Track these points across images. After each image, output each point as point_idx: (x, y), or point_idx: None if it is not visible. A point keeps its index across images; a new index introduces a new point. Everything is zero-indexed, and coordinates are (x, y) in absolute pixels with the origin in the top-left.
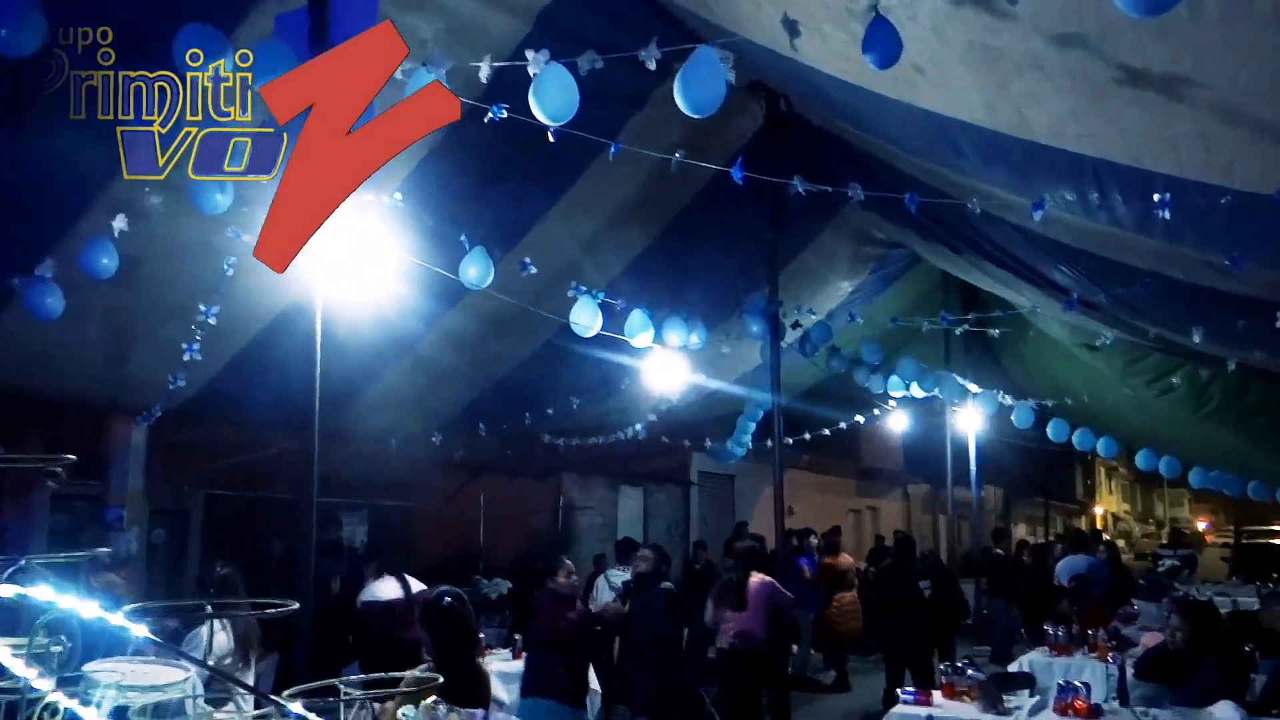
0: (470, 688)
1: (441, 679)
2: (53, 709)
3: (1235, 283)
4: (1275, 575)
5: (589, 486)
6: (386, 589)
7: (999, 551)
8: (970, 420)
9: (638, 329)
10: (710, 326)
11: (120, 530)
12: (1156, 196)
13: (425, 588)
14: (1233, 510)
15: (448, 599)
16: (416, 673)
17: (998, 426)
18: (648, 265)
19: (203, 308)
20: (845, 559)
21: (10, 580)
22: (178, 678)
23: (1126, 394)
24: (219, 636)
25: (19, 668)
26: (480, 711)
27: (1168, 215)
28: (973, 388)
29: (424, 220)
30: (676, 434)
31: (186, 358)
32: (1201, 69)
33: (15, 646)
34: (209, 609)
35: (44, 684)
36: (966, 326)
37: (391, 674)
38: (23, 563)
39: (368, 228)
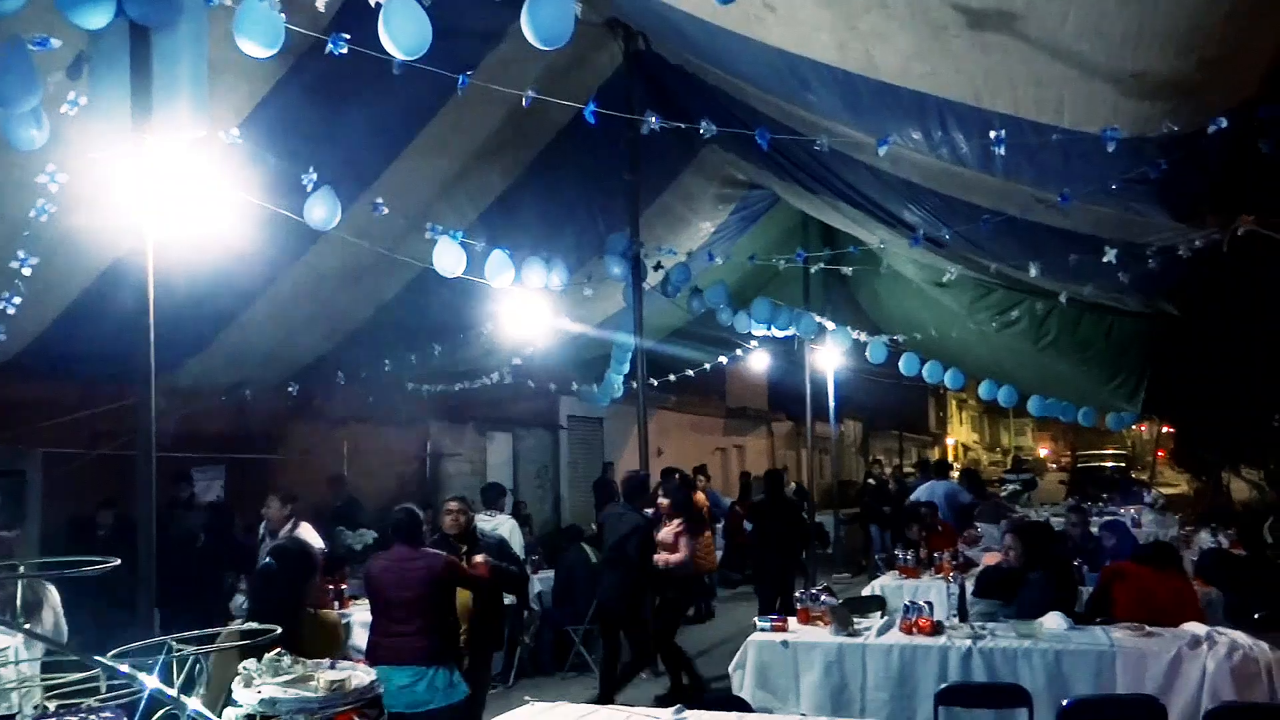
0: (304, 641)
1: (279, 629)
2: None
3: (1066, 219)
4: (1105, 495)
5: (456, 433)
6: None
7: (870, 481)
8: (828, 357)
9: (497, 270)
10: (572, 268)
11: None
12: (993, 134)
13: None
14: (1070, 437)
15: (266, 559)
16: (242, 626)
17: (855, 362)
18: (507, 207)
19: (21, 254)
20: (699, 497)
21: None
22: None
23: (972, 328)
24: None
25: None
26: (326, 660)
27: (1003, 152)
28: (829, 324)
29: (266, 160)
30: (543, 378)
31: (0, 307)
32: (1033, 8)
33: None
34: (21, 569)
35: None
36: (821, 265)
37: (221, 629)
38: None
39: (203, 168)
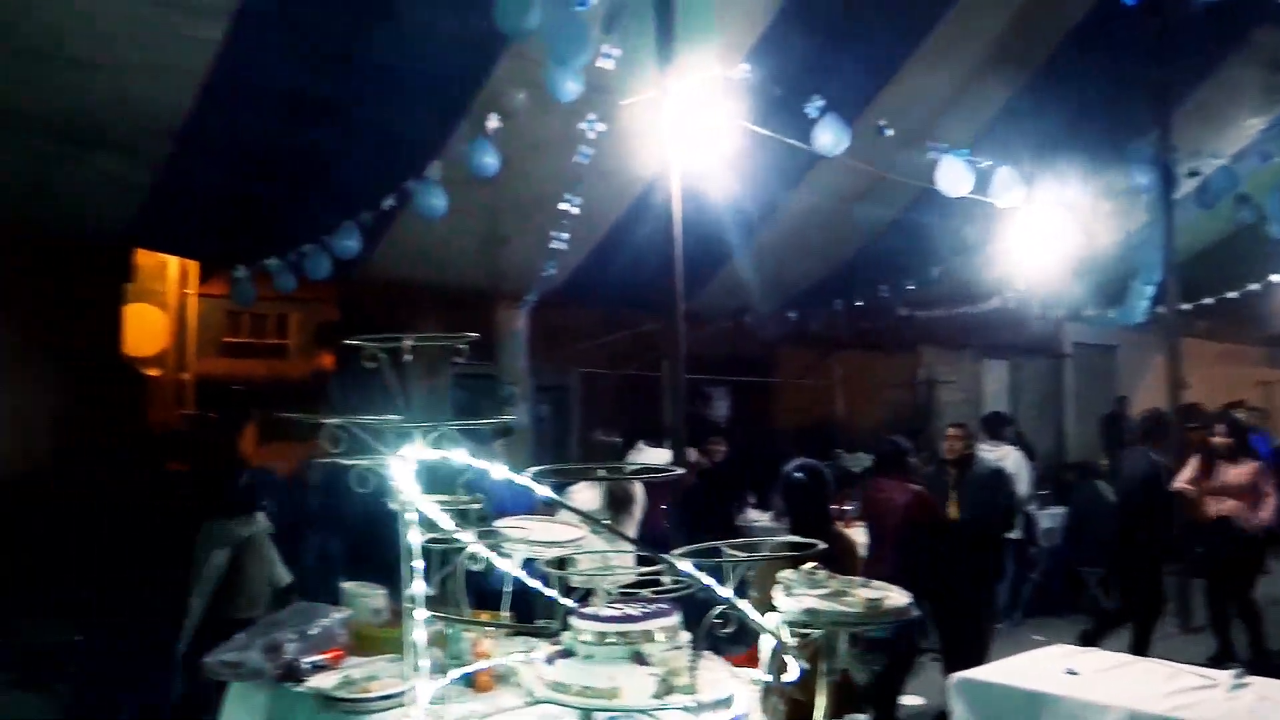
0: (837, 556)
1: (822, 544)
2: (473, 557)
3: None
4: None
5: (949, 359)
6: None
7: None
8: None
9: (1004, 187)
10: (1088, 181)
11: (513, 405)
12: None
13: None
14: None
15: (799, 474)
16: (791, 538)
17: None
18: (1011, 119)
19: (567, 196)
20: None
21: (431, 445)
22: (575, 535)
23: None
24: (585, 494)
25: (445, 521)
26: (858, 578)
27: None
28: None
29: (772, 91)
30: (1048, 302)
31: (554, 245)
32: None
33: (441, 503)
34: (601, 472)
35: (465, 536)
36: None
37: (765, 538)
38: (442, 429)
39: (717, 104)
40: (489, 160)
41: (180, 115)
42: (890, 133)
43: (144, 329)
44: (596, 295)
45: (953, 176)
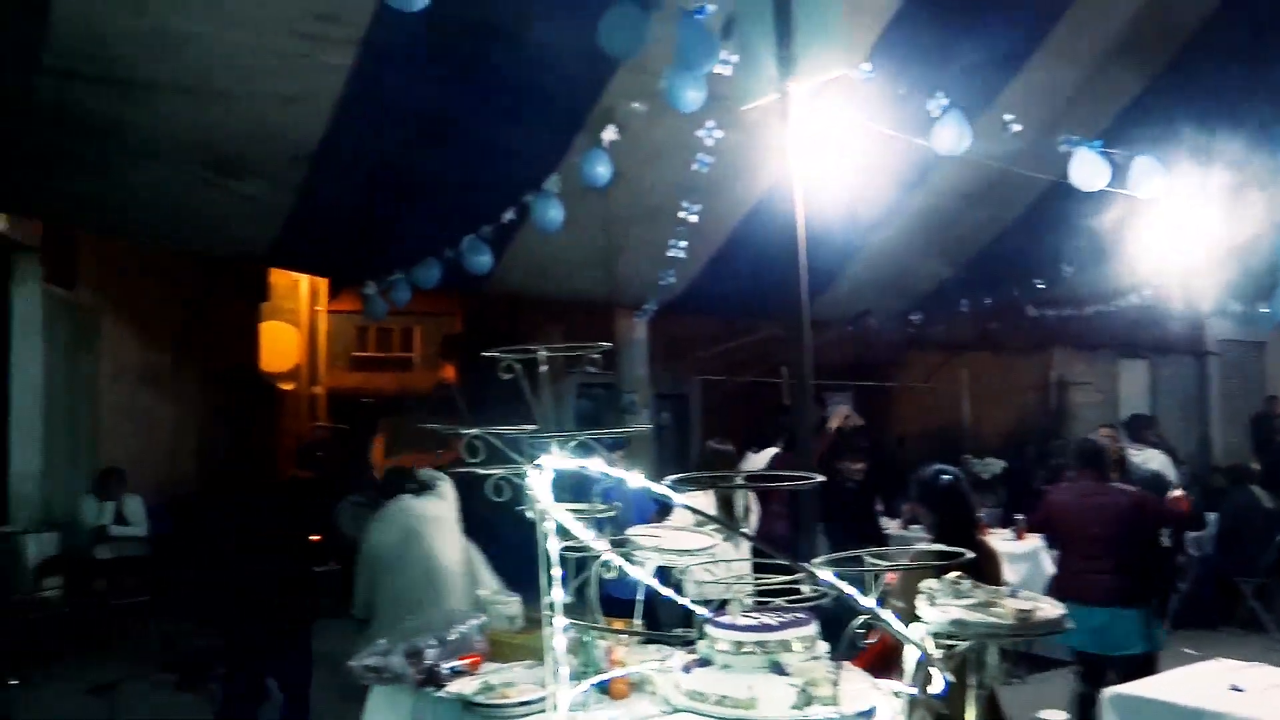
0: (979, 565)
1: (970, 554)
2: (607, 565)
3: None
4: None
5: (1083, 360)
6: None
7: None
8: None
9: (1143, 178)
10: (1233, 168)
11: (634, 413)
12: None
13: None
14: None
15: (946, 476)
16: (935, 547)
17: None
18: (1148, 107)
19: (685, 204)
20: None
21: (569, 453)
22: (705, 543)
23: None
24: (700, 500)
25: (581, 530)
26: (1005, 588)
27: None
28: None
29: (896, 89)
30: (1189, 297)
31: (671, 254)
32: None
33: (576, 511)
34: (738, 480)
35: (599, 544)
36: None
37: (912, 547)
38: (580, 439)
39: (838, 105)
40: (601, 170)
41: (314, 140)
42: (1018, 128)
43: (279, 345)
44: (716, 302)
45: (1088, 169)
